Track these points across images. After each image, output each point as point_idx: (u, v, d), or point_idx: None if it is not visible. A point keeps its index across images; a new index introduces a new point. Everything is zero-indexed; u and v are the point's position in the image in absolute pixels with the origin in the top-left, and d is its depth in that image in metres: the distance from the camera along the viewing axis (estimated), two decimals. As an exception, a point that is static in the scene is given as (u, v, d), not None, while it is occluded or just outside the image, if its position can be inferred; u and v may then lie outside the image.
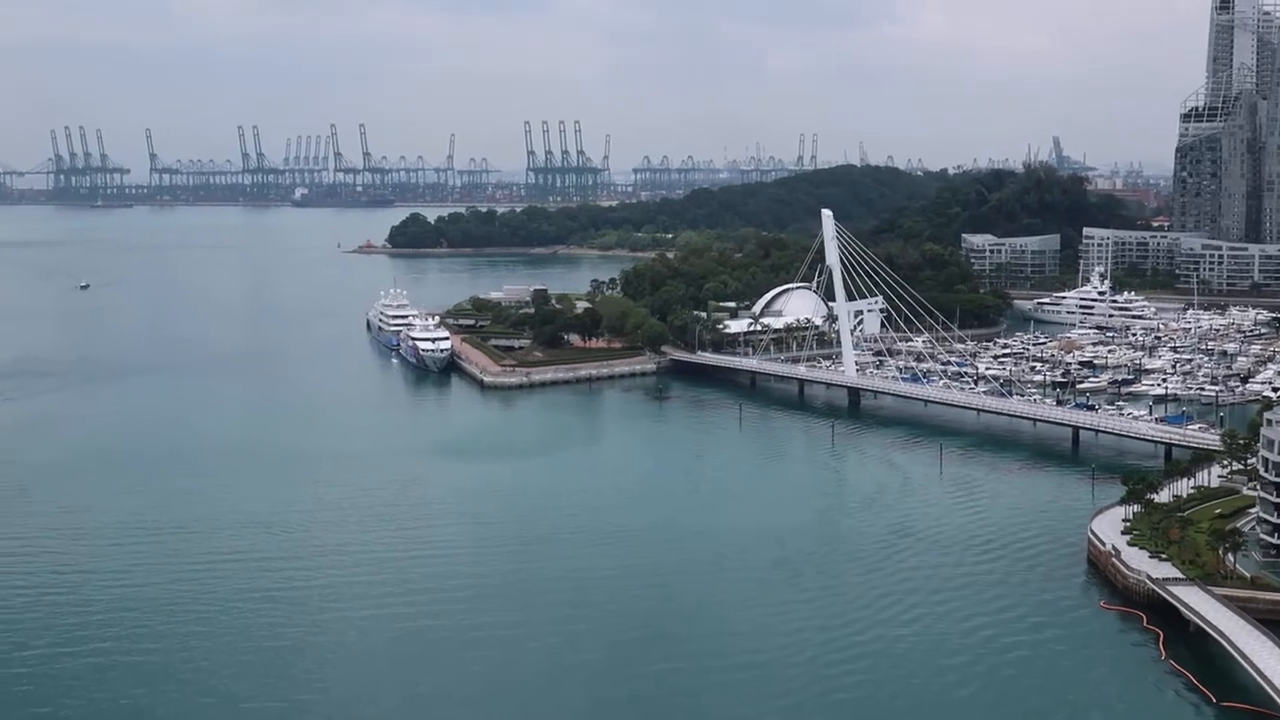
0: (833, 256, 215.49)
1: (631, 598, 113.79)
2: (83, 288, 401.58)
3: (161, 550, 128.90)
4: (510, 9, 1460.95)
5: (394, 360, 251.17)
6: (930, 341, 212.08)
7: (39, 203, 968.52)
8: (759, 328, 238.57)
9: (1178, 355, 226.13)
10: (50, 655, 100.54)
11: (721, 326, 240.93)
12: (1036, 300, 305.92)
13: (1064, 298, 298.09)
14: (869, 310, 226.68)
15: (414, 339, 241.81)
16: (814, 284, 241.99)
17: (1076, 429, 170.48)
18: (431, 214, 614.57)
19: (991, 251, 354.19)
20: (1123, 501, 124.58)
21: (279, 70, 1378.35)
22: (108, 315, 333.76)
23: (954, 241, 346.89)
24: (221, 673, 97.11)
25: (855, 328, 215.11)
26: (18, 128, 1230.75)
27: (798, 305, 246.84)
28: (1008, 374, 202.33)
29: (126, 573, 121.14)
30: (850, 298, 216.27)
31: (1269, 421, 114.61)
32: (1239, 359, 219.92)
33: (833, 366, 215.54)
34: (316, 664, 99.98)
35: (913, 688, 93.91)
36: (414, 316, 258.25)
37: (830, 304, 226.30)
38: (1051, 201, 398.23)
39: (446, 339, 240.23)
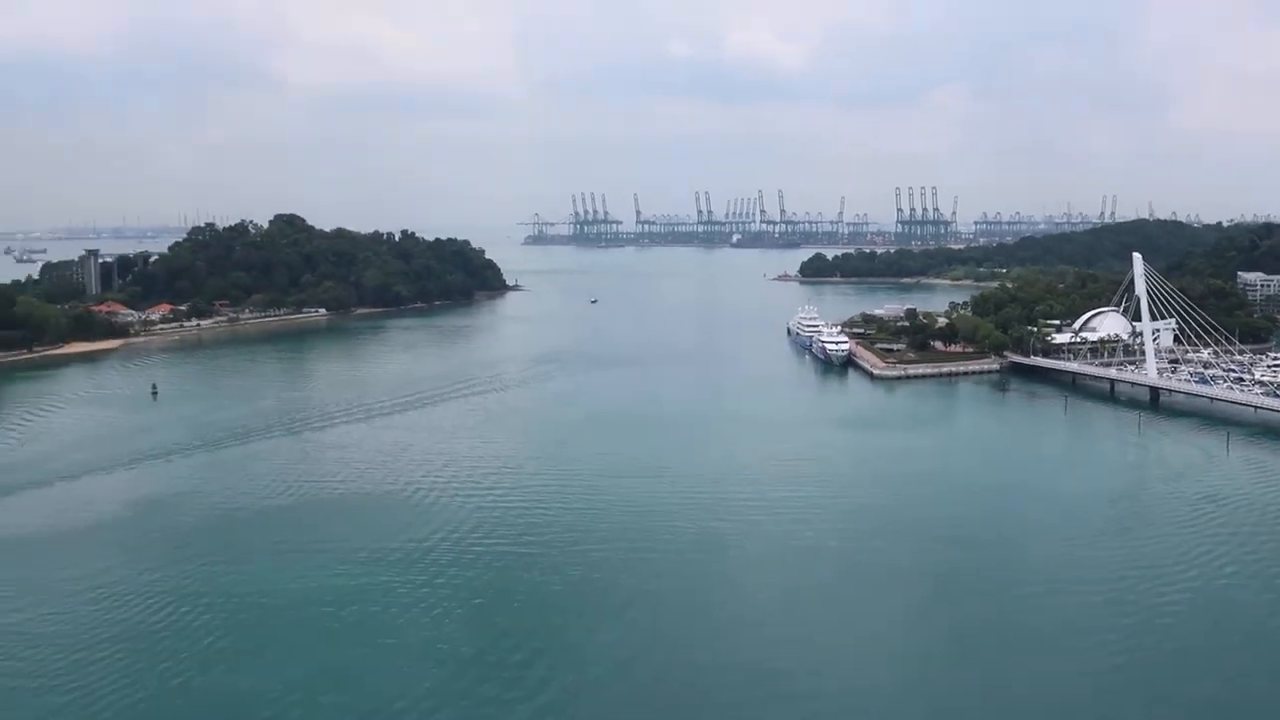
0: (1140, 286, 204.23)
1: (997, 543, 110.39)
2: (592, 302, 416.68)
3: (680, 487, 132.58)
4: (887, 107, 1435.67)
5: (807, 357, 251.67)
6: (1215, 353, 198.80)
7: (564, 244, 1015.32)
8: (1078, 340, 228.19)
9: None
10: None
11: (1049, 338, 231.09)
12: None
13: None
14: (1165, 328, 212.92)
15: (822, 341, 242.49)
16: (1121, 307, 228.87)
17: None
18: (829, 253, 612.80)
19: (1262, 286, 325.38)
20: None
21: (722, 152, 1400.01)
22: (610, 322, 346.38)
23: (1231, 278, 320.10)
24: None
25: (1155, 341, 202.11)
26: (552, 194, 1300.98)
27: (1108, 324, 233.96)
28: (1278, 380, 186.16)
29: (680, 503, 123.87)
30: (1152, 318, 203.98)
31: None
32: None
33: (1136, 370, 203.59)
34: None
35: (1237, 614, 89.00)
36: (821, 325, 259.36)
37: (1135, 323, 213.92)
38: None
39: (846, 342, 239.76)
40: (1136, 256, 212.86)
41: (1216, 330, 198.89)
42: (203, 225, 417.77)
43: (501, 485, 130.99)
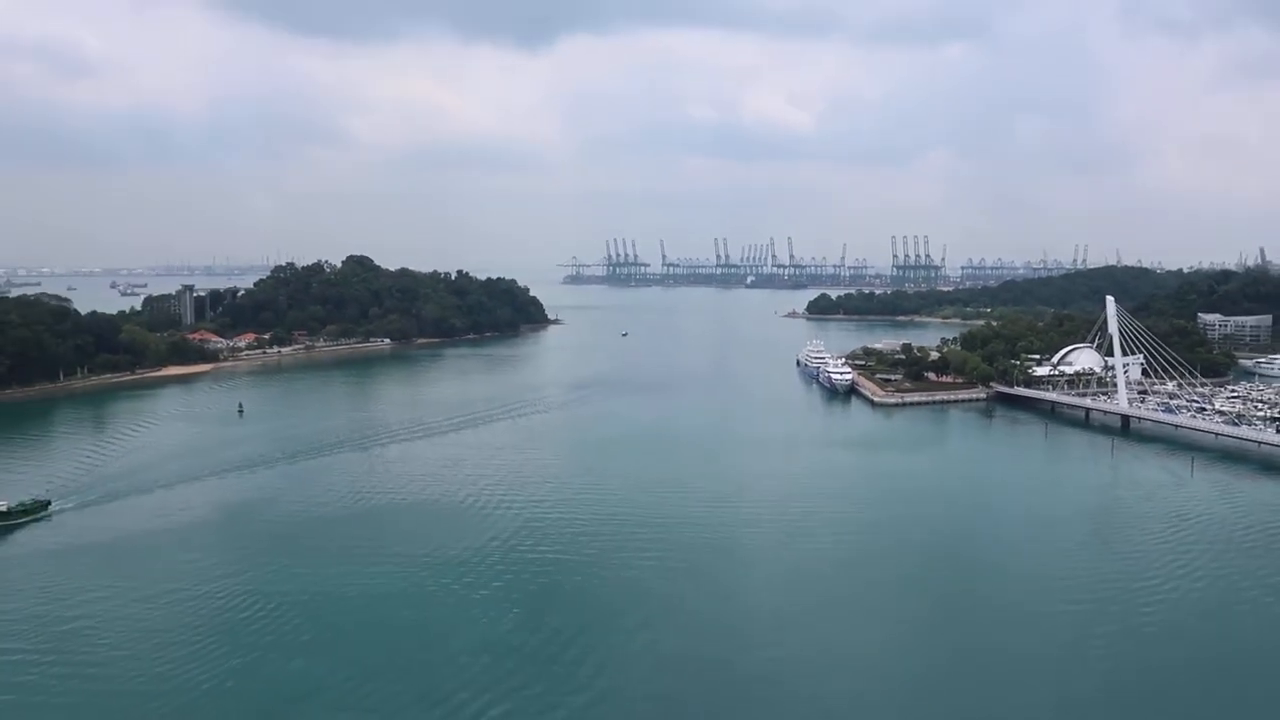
0: (1113, 325, 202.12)
1: (989, 556, 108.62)
2: (623, 335, 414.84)
3: (706, 501, 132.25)
4: (884, 165, 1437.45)
5: (814, 385, 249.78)
6: (1179, 385, 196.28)
7: (598, 284, 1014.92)
8: (1056, 373, 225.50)
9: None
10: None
11: (1030, 370, 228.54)
12: (1255, 360, 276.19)
13: (1276, 359, 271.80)
14: (1134, 363, 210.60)
15: (828, 371, 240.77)
16: (1095, 344, 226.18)
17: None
18: (833, 293, 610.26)
19: (1220, 325, 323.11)
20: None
21: (739, 203, 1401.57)
22: (639, 352, 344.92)
23: (1192, 318, 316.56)
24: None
25: (1125, 374, 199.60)
26: (589, 240, 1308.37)
27: (1083, 358, 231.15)
28: (1236, 410, 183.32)
29: (697, 500, 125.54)
30: (1123, 354, 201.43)
31: None
32: None
33: (1109, 400, 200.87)
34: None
35: (1212, 623, 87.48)
36: (827, 357, 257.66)
37: (1108, 358, 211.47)
38: (1266, 292, 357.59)
39: (849, 372, 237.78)
40: (1109, 299, 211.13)
41: (1180, 365, 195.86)
42: (284, 264, 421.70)
43: (547, 497, 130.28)
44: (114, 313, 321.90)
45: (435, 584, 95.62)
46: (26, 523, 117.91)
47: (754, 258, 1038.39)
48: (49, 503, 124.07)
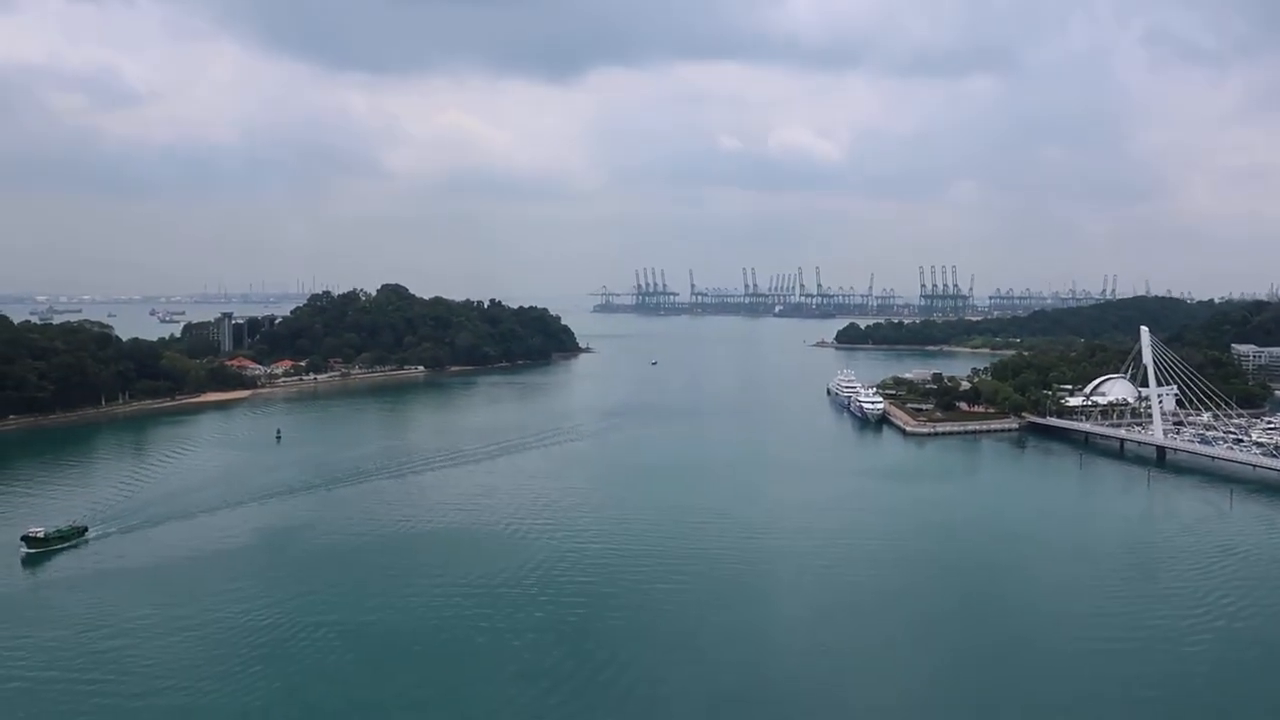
0: (1148, 356, 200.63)
1: (1029, 590, 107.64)
2: (653, 364, 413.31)
3: (741, 528, 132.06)
4: (910, 195, 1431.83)
5: (845, 414, 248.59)
6: (1214, 416, 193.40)
7: (628, 313, 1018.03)
8: (1089, 403, 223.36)
9: None
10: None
11: (1063, 401, 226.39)
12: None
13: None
14: (1168, 394, 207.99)
15: (860, 401, 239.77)
16: (1128, 374, 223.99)
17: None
18: (861, 323, 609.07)
19: (1255, 356, 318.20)
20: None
21: (767, 233, 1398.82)
22: (669, 380, 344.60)
23: (1226, 349, 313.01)
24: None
25: (1159, 405, 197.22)
26: (618, 268, 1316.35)
27: (1116, 389, 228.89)
28: (1274, 441, 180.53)
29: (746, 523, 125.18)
30: (1158, 384, 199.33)
31: None
32: None
33: (1144, 431, 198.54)
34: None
35: (1268, 656, 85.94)
36: (859, 386, 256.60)
37: (1142, 389, 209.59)
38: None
39: (881, 401, 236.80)
40: (1144, 330, 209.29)
41: (1216, 396, 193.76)
42: (320, 292, 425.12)
43: (584, 527, 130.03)
44: (154, 339, 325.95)
45: (475, 612, 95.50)
46: (64, 549, 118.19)
47: (782, 287, 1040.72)
48: (86, 529, 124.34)
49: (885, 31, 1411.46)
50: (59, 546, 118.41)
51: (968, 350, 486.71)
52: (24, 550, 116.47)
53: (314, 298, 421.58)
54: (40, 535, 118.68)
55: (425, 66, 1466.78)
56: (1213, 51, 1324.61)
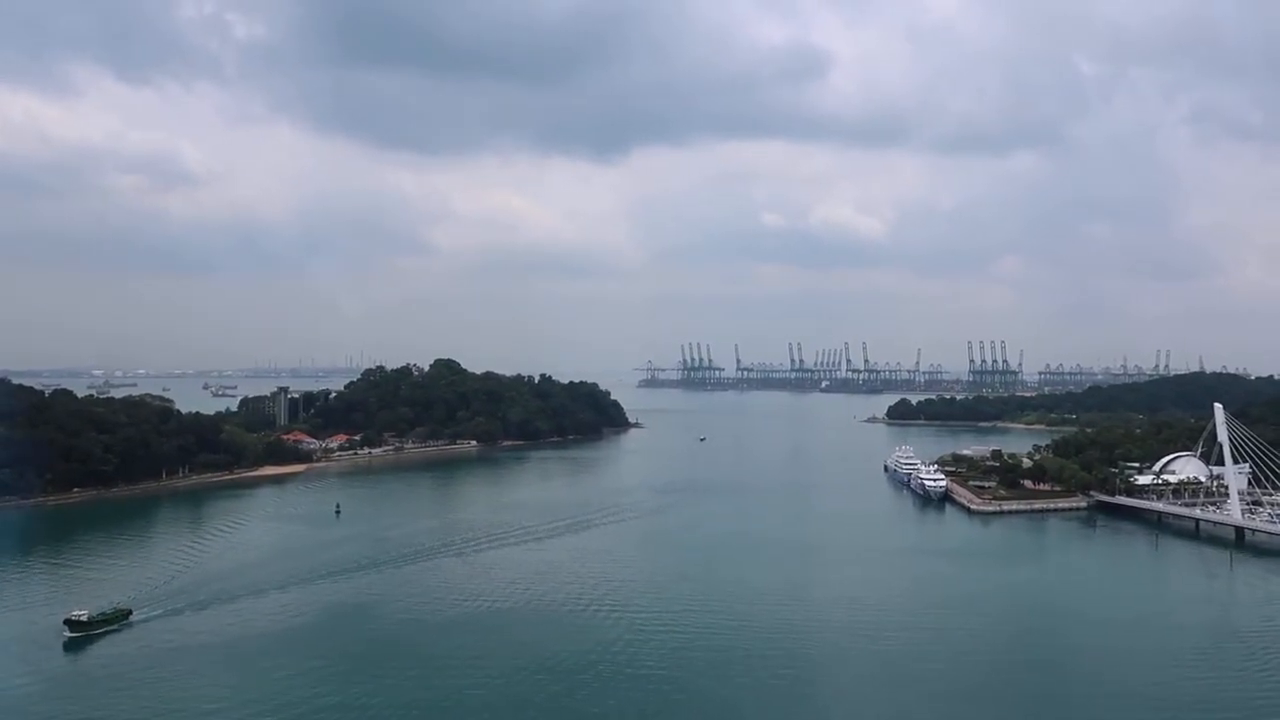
0: (1223, 434, 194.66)
1: (1116, 678, 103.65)
2: (701, 440, 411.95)
3: (810, 611, 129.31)
4: (955, 271, 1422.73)
5: (905, 492, 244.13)
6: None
7: (674, 388, 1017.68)
8: (1159, 481, 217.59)
9: None
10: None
11: (1131, 479, 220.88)
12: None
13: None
14: (1240, 472, 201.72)
15: (921, 478, 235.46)
16: (1198, 452, 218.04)
17: None
18: (910, 398, 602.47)
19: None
20: None
21: (812, 308, 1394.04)
22: (719, 456, 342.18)
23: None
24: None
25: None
26: (664, 344, 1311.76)
27: (1186, 467, 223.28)
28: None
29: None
30: (1231, 462, 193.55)
31: None
32: None
33: (1219, 510, 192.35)
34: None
35: None
36: (919, 463, 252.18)
37: (1213, 467, 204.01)
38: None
39: (943, 479, 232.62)
40: (1218, 406, 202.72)
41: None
42: (373, 367, 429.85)
43: (646, 606, 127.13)
44: (210, 413, 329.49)
45: (543, 694, 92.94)
46: (107, 633, 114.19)
47: (828, 362, 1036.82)
48: (130, 611, 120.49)
49: (928, 108, 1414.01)
50: (102, 630, 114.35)
51: (1021, 426, 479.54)
52: (66, 634, 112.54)
53: (367, 372, 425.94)
54: (83, 619, 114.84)
55: (475, 145, 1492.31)
56: (1260, 127, 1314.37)
